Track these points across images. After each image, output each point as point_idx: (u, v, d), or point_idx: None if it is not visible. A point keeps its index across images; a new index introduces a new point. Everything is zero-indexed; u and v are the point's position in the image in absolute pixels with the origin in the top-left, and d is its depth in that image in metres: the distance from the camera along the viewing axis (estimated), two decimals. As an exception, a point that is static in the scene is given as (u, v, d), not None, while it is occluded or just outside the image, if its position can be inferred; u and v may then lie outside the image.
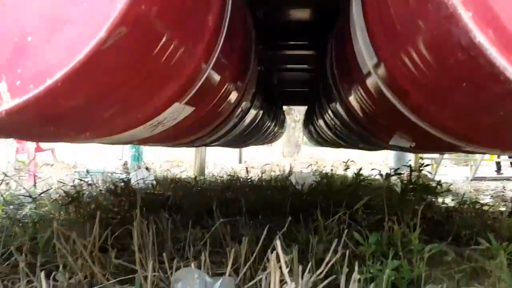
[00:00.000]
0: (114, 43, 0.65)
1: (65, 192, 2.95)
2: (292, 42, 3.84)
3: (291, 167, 5.83)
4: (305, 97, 5.80)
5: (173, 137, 1.65)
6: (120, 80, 0.83)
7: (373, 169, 3.57)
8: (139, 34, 0.71)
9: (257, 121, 3.16)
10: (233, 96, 1.74)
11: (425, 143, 1.51)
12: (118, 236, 1.85)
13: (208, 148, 6.51)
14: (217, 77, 1.31)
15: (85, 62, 0.66)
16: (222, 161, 9.75)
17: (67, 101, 0.73)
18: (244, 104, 2.15)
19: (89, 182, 3.70)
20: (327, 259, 1.20)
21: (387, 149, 2.74)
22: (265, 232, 1.51)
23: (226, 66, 1.35)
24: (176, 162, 10.20)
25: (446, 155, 8.18)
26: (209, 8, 1.00)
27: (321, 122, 3.67)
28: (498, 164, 8.63)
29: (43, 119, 0.77)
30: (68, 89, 0.69)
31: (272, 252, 1.07)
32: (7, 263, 1.68)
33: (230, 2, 1.13)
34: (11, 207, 3.17)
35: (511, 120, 0.75)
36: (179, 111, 1.24)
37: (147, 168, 6.13)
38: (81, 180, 3.70)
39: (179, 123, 1.40)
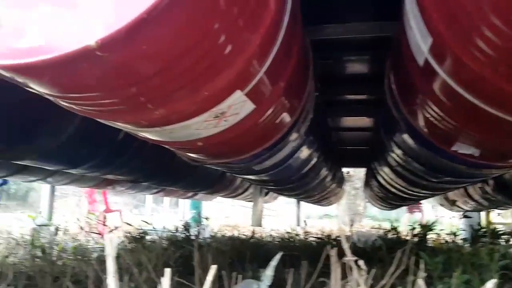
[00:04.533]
0: None
1: (130, 235, 3.16)
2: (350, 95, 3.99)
3: (352, 227, 5.68)
4: (364, 158, 5.80)
5: (229, 146, 1.74)
6: (186, 44, 0.95)
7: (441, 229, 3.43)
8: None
9: (313, 162, 3.19)
10: (290, 111, 1.82)
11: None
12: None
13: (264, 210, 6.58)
14: (276, 75, 1.41)
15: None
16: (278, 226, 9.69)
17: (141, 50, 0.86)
18: (299, 130, 2.21)
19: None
20: None
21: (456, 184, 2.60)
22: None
23: (284, 66, 1.46)
24: (234, 226, 10.30)
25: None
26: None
27: (386, 170, 3.59)
28: None
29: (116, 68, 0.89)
30: (145, 32, 0.82)
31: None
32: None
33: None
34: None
35: None
36: (241, 103, 1.34)
37: (204, 228, 6.32)
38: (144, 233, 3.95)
39: (239, 125, 1.50)
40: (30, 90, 1.07)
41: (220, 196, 6.60)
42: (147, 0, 0.78)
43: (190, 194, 6.94)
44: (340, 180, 6.52)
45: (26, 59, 0.80)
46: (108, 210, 7.58)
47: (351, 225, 5.14)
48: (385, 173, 3.84)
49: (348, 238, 4.64)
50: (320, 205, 7.84)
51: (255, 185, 4.16)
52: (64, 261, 3.15)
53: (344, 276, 1.31)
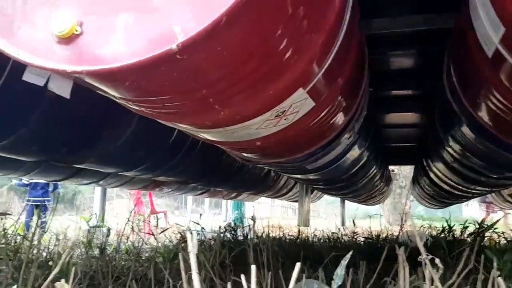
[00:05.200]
0: None
1: (180, 234, 3.24)
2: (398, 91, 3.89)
3: (401, 228, 5.52)
4: (411, 155, 5.63)
5: (286, 145, 1.75)
6: (257, 45, 0.96)
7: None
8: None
9: (363, 160, 3.14)
10: (346, 108, 1.81)
11: None
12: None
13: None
14: (336, 71, 1.40)
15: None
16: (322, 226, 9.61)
17: (219, 48, 0.88)
18: (354, 128, 2.19)
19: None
20: None
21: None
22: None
23: (344, 62, 1.45)
24: (278, 226, 10.35)
25: None
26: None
27: (439, 166, 3.47)
28: None
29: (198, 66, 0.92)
30: (222, 34, 0.84)
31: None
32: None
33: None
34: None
35: None
36: (301, 101, 1.34)
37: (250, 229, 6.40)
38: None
39: (298, 124, 1.50)
40: (104, 95, 1.12)
41: (264, 196, 6.63)
42: (225, 3, 0.80)
43: (233, 194, 7.02)
44: (387, 179, 6.38)
45: (109, 65, 0.84)
46: (154, 212, 7.83)
47: (402, 225, 5.00)
48: (438, 170, 3.72)
49: (397, 238, 4.54)
50: (366, 204, 7.70)
51: (304, 184, 4.14)
52: (119, 261, 3.27)
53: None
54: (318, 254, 3.22)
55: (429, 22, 2.30)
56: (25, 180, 8.53)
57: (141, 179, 4.29)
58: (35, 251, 2.79)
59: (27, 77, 0.95)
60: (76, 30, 0.86)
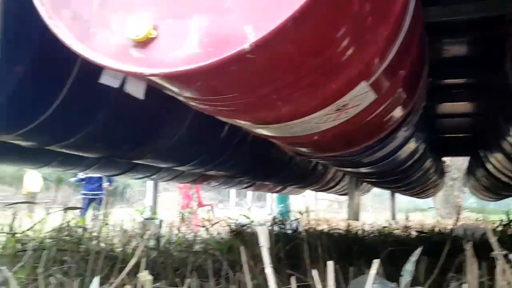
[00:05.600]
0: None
1: (230, 227, 3.32)
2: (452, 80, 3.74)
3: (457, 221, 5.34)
4: (466, 146, 5.40)
5: (344, 138, 1.73)
6: (324, 40, 0.96)
7: None
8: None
9: (419, 152, 3.05)
10: (406, 100, 1.76)
11: None
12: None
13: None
14: (398, 63, 1.37)
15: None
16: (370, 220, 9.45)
17: (288, 45, 0.89)
18: (412, 120, 2.13)
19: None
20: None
21: None
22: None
23: (407, 53, 1.41)
24: (324, 220, 10.29)
25: None
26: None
27: (499, 157, 3.31)
28: None
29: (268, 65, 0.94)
30: (292, 32, 0.85)
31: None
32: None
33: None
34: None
35: None
36: (363, 94, 1.33)
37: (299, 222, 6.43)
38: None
39: (358, 117, 1.49)
40: (169, 94, 1.17)
41: (311, 189, 6.61)
42: (296, 2, 0.80)
43: (278, 188, 7.04)
44: (440, 171, 6.16)
45: (185, 66, 0.88)
46: (201, 205, 8.04)
47: (457, 218, 4.81)
48: (497, 160, 3.55)
49: (452, 231, 4.39)
50: (418, 197, 7.49)
51: (356, 178, 4.09)
52: (174, 252, 3.38)
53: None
54: (371, 248, 3.17)
55: (485, 9, 2.20)
56: (80, 175, 9.00)
57: (191, 173, 4.41)
58: (95, 243, 2.95)
59: (104, 79, 1.01)
60: (152, 34, 0.90)
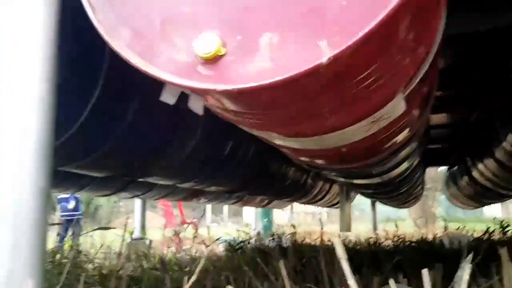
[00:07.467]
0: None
1: (229, 244, 3.31)
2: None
3: (445, 229, 5.52)
4: (445, 156, 5.59)
5: (367, 150, 1.79)
6: (384, 54, 1.01)
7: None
8: None
9: (416, 163, 3.16)
10: (420, 114, 1.84)
11: None
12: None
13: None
14: (425, 73, 1.44)
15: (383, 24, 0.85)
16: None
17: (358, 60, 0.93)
18: (419, 132, 2.21)
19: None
20: None
21: None
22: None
23: (433, 66, 1.49)
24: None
25: None
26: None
27: (489, 164, 3.47)
28: None
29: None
30: (364, 48, 0.89)
31: None
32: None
33: None
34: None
35: None
36: (396, 106, 1.38)
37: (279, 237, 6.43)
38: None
39: (384, 128, 1.54)
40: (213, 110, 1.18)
41: (299, 202, 6.66)
42: (369, 20, 0.85)
43: (265, 202, 7.06)
44: (422, 181, 6.36)
45: (258, 82, 0.90)
46: (184, 222, 7.94)
47: (445, 228, 4.98)
48: (487, 169, 3.71)
49: (440, 240, 4.51)
50: (402, 207, 7.66)
51: (354, 189, 4.16)
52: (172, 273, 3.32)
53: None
54: (373, 260, 3.22)
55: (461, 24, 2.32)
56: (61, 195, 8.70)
57: (182, 189, 4.37)
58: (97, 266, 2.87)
59: (164, 97, 1.01)
60: (221, 52, 0.92)
